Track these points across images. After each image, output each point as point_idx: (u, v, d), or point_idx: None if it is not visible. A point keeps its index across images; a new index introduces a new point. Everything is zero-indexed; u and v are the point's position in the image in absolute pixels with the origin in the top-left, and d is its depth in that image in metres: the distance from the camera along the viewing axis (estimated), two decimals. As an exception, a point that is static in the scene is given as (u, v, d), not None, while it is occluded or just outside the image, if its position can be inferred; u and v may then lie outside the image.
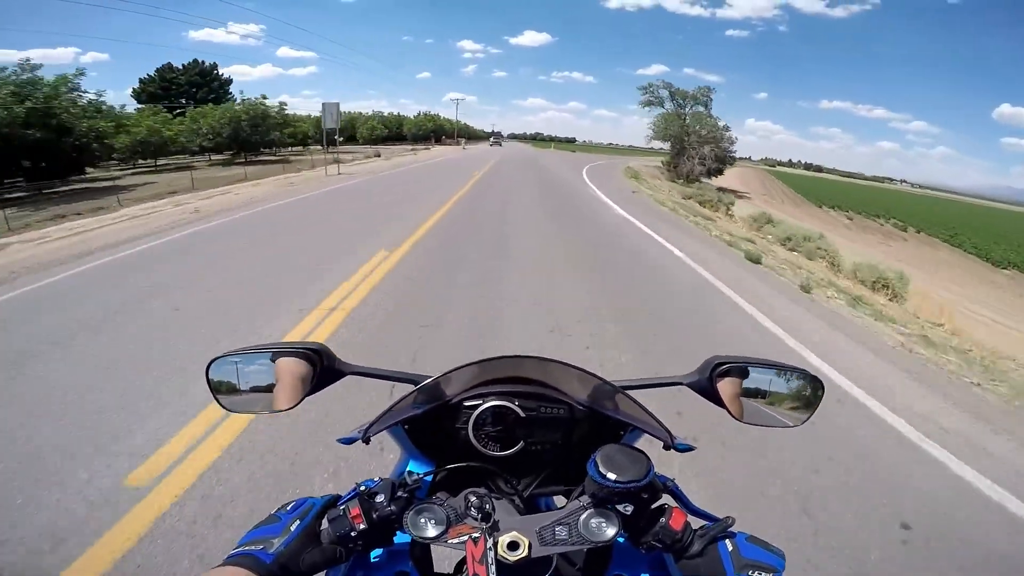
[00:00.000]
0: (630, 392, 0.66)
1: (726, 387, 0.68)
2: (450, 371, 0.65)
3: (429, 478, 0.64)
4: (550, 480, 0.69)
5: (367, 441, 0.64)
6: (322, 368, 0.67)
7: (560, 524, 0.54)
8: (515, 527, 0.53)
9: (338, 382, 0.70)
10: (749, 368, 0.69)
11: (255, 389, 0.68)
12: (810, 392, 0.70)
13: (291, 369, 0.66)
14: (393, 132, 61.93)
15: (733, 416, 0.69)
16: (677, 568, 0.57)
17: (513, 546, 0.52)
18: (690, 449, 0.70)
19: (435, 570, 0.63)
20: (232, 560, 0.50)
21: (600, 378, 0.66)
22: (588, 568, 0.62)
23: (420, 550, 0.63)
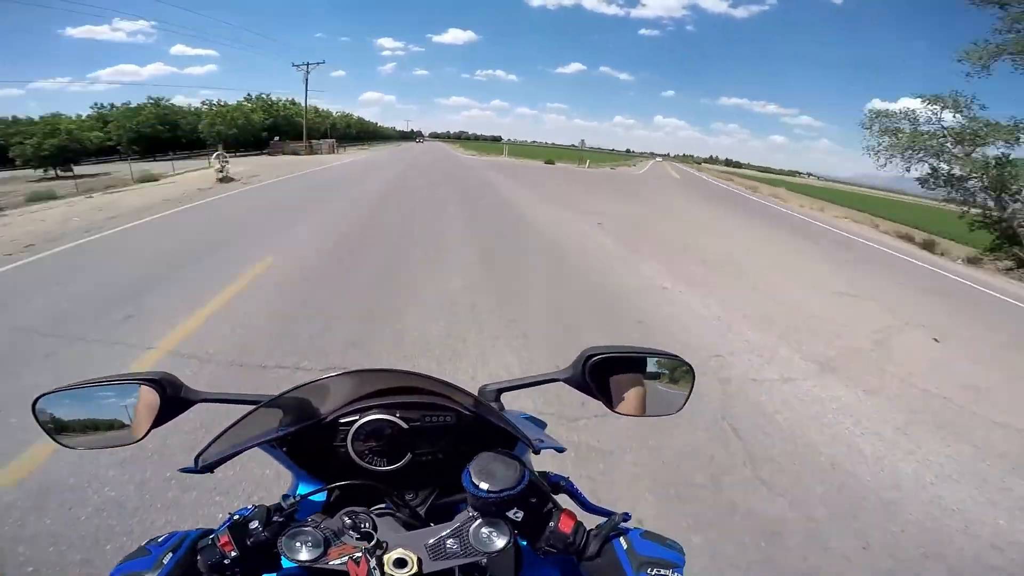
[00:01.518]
0: (507, 392, 0.67)
1: (600, 379, 0.69)
2: (309, 383, 0.61)
3: (318, 498, 0.62)
4: (455, 489, 0.66)
5: (210, 471, 0.60)
6: (165, 398, 0.62)
7: (451, 537, 0.53)
8: (402, 543, 0.52)
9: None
10: (620, 357, 0.70)
11: (96, 423, 0.64)
12: (681, 375, 0.73)
13: (137, 400, 0.62)
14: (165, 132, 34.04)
15: (609, 408, 0.70)
16: (580, 570, 0.56)
17: (400, 563, 0.50)
18: (561, 450, 0.70)
19: None
20: None
21: (463, 389, 0.64)
22: None
23: (318, 574, 0.60)
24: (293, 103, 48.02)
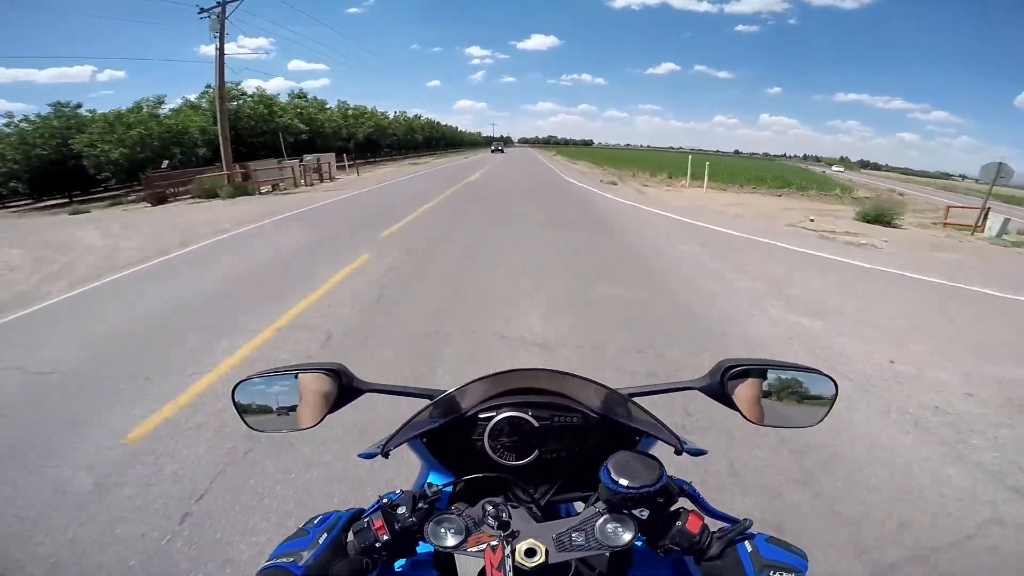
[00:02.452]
0: (640, 398, 0.67)
1: (738, 390, 0.68)
2: (464, 385, 0.67)
3: (449, 489, 0.66)
4: (568, 487, 0.70)
5: (386, 455, 0.67)
6: (341, 387, 0.70)
7: (576, 530, 0.55)
8: (532, 534, 0.55)
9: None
10: (761, 369, 0.69)
11: (279, 409, 0.72)
12: (823, 391, 0.70)
13: (313, 388, 0.70)
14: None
15: (747, 419, 0.68)
16: (698, 570, 0.57)
17: (530, 553, 0.53)
18: (701, 453, 0.70)
19: None
20: (263, 573, 0.52)
21: (609, 388, 0.67)
22: (608, 573, 0.63)
23: (443, 559, 0.65)
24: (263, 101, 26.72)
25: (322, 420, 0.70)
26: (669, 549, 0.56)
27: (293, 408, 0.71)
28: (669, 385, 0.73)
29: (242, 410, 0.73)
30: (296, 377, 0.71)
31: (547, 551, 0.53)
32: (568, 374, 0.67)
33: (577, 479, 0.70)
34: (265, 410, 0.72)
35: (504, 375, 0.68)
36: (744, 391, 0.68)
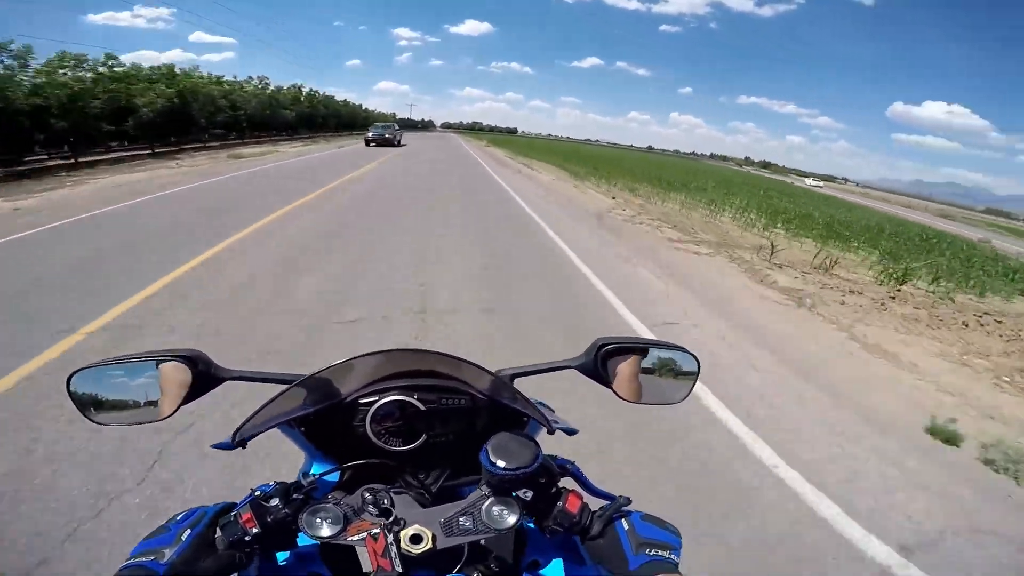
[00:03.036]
0: (520, 378, 0.68)
1: (613, 368, 0.71)
2: (335, 365, 0.63)
3: (331, 478, 0.64)
4: (458, 473, 0.70)
5: (243, 446, 0.62)
6: (197, 374, 0.64)
7: (464, 514, 0.55)
8: (418, 520, 0.54)
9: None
10: (633, 347, 0.72)
11: (125, 401, 0.65)
12: (689, 367, 0.75)
13: (166, 377, 0.63)
14: None
15: (620, 396, 0.71)
16: (584, 549, 0.59)
17: (416, 539, 0.52)
18: (573, 432, 0.72)
19: (363, 570, 0.63)
20: (124, 572, 0.49)
21: (489, 371, 0.67)
22: (501, 556, 0.64)
23: (336, 551, 0.63)
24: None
25: (175, 412, 0.64)
26: (553, 530, 0.58)
27: (141, 399, 0.64)
28: (547, 365, 0.74)
29: (80, 402, 0.64)
30: (143, 366, 0.64)
31: (434, 536, 0.53)
32: (447, 356, 0.66)
33: (465, 463, 0.69)
34: (111, 403, 0.65)
35: (380, 355, 0.66)
36: (619, 369, 0.71)
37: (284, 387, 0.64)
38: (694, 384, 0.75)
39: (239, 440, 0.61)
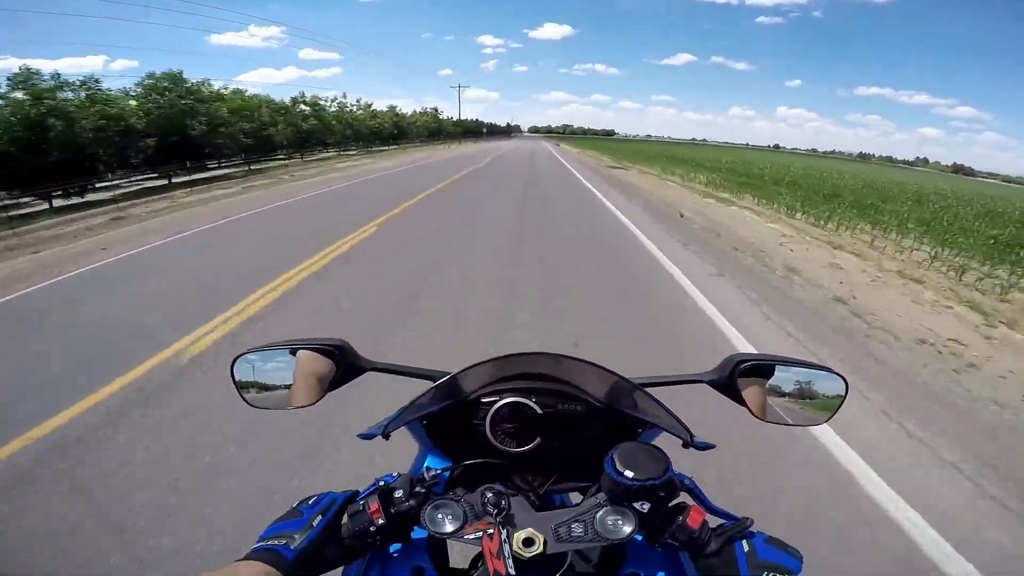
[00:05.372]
0: (649, 390, 0.65)
1: (747, 385, 0.67)
2: (468, 368, 0.65)
3: (447, 474, 0.65)
4: (566, 477, 0.69)
5: (387, 437, 0.66)
6: (343, 364, 0.69)
7: (576, 521, 0.54)
8: (531, 524, 0.53)
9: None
10: (772, 366, 0.67)
11: (277, 385, 0.70)
12: (833, 390, 0.68)
13: (312, 365, 0.68)
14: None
15: (754, 415, 0.67)
16: (693, 567, 0.56)
17: (528, 542, 0.52)
18: (710, 447, 0.68)
19: (450, 565, 0.64)
20: (254, 555, 0.50)
21: (618, 375, 0.65)
22: (602, 565, 0.62)
23: (436, 545, 0.64)
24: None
25: (320, 399, 0.69)
26: (667, 544, 0.55)
27: (290, 384, 0.69)
28: (677, 377, 0.71)
29: (239, 385, 0.71)
30: (295, 353, 0.69)
31: (545, 541, 0.52)
32: (574, 359, 0.65)
33: (574, 469, 0.68)
34: (264, 386, 0.71)
35: (509, 359, 0.66)
36: (753, 386, 0.67)
37: (426, 383, 0.67)
38: (838, 409, 0.68)
39: (387, 432, 0.66)
